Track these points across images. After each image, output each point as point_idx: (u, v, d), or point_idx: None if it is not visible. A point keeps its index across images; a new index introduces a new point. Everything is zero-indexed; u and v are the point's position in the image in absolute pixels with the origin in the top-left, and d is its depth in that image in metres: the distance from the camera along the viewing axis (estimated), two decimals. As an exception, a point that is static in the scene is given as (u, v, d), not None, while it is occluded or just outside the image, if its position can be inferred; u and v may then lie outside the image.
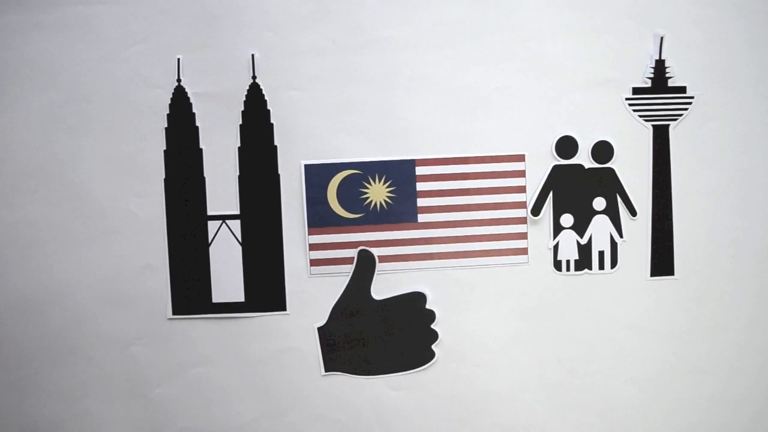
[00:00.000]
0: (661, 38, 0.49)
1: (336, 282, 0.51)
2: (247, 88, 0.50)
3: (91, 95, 0.50)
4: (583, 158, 0.51)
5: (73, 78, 0.50)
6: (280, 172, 0.51)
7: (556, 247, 0.52)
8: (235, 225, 0.51)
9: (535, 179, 0.52)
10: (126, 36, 0.50)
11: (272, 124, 0.51)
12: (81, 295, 0.51)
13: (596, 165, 0.52)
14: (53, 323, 0.52)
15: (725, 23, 0.51)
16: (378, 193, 0.51)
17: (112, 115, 0.50)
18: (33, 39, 0.50)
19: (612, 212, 0.52)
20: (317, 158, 0.51)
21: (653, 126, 0.51)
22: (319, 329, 0.52)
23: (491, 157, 0.51)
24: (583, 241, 0.52)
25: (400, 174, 0.51)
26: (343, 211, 0.51)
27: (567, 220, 0.52)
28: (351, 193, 0.51)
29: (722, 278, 0.53)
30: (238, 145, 0.51)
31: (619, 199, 0.52)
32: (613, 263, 0.52)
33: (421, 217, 0.51)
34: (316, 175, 0.51)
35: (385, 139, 0.51)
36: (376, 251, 0.51)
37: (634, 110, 0.51)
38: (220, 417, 0.52)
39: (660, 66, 0.50)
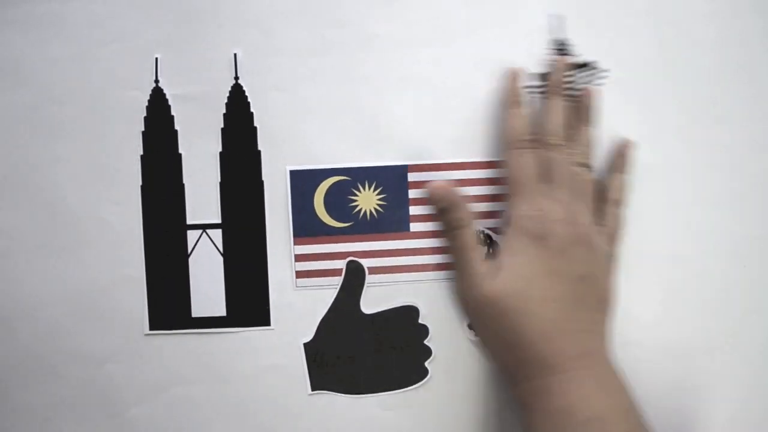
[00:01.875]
0: (558, 17, 0.47)
1: (323, 295, 0.49)
2: (229, 89, 0.48)
3: (64, 96, 0.48)
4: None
5: (44, 78, 0.48)
6: (263, 178, 0.49)
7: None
8: (216, 234, 0.49)
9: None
10: (101, 34, 0.48)
11: (255, 128, 0.48)
12: (52, 309, 0.49)
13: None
14: (22, 339, 0.49)
15: (741, 18, 0.49)
16: (368, 200, 0.48)
17: (85, 118, 0.48)
18: (1, 36, 0.48)
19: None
20: (303, 164, 0.48)
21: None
22: (306, 345, 0.49)
23: (486, 162, 0.49)
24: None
25: (391, 180, 0.48)
26: (331, 219, 0.48)
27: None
28: (339, 200, 0.48)
29: (734, 288, 0.50)
30: (220, 149, 0.48)
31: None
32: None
33: (414, 226, 0.49)
34: (302, 182, 0.48)
35: (375, 143, 0.48)
36: (366, 262, 0.49)
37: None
38: (200, 438, 0.49)
39: (560, 46, 0.48)
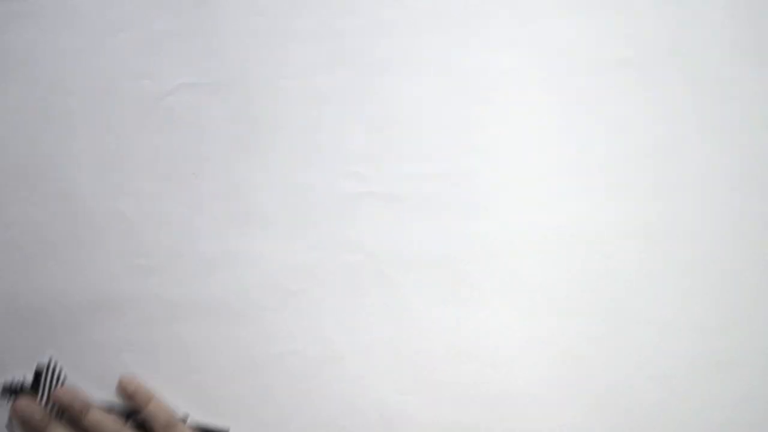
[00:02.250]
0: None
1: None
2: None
3: (75, 87, 0.49)
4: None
5: (55, 69, 0.48)
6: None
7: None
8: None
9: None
10: (109, 24, 0.48)
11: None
12: (67, 300, 0.49)
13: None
14: (38, 330, 0.50)
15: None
16: None
17: (96, 108, 0.49)
18: (10, 28, 0.48)
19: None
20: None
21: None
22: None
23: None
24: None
25: None
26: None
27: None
28: None
29: (751, 266, 0.50)
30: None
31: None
32: (631, 255, 0.50)
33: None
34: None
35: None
36: None
37: None
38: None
39: (10, 391, 0.47)
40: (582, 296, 0.50)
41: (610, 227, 0.50)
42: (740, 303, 0.50)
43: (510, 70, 0.49)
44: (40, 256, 0.49)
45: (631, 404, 0.50)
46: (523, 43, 0.49)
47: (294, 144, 0.49)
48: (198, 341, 0.50)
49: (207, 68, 0.48)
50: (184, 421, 0.47)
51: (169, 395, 0.49)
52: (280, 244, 0.49)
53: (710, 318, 0.50)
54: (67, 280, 0.49)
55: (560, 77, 0.49)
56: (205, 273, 0.50)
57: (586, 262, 0.50)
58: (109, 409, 0.47)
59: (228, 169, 0.49)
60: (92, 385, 0.49)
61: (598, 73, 0.49)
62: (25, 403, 0.47)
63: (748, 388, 0.50)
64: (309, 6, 0.48)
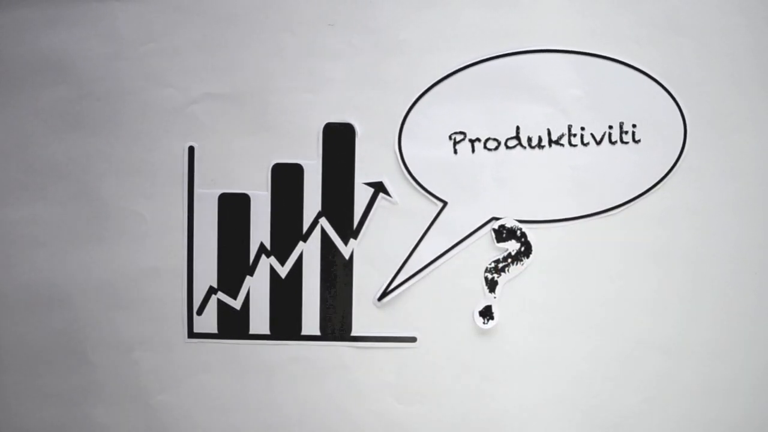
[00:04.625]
0: None
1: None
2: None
3: (102, 93, 0.49)
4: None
5: (84, 75, 0.49)
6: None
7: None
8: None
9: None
10: (139, 33, 0.49)
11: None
12: (84, 297, 0.50)
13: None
14: (55, 325, 0.51)
15: (753, 32, 0.49)
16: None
17: (122, 114, 0.50)
18: (45, 34, 0.49)
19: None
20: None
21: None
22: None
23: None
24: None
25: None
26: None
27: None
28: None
29: (746, 294, 0.50)
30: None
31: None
32: (633, 278, 0.50)
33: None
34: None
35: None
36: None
37: None
38: (223, 427, 0.51)
39: None
40: (586, 317, 0.50)
41: (617, 251, 0.50)
42: (734, 332, 0.50)
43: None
44: (61, 253, 0.50)
45: (629, 425, 0.50)
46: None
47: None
48: (207, 343, 0.51)
49: (231, 79, 0.49)
50: None
51: (177, 393, 0.51)
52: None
53: (706, 345, 0.50)
54: (84, 277, 0.50)
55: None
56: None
57: (591, 284, 0.50)
58: None
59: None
60: (103, 380, 0.51)
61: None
62: None
63: (742, 414, 0.50)
64: (334, 24, 0.49)
